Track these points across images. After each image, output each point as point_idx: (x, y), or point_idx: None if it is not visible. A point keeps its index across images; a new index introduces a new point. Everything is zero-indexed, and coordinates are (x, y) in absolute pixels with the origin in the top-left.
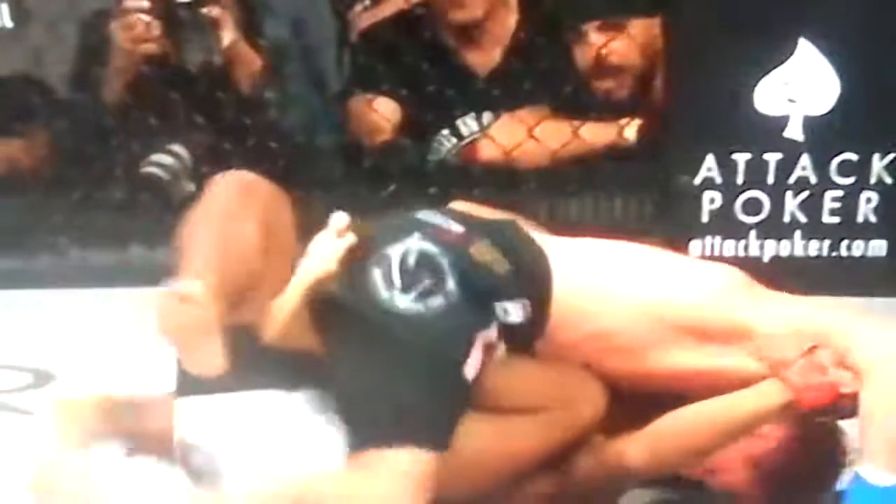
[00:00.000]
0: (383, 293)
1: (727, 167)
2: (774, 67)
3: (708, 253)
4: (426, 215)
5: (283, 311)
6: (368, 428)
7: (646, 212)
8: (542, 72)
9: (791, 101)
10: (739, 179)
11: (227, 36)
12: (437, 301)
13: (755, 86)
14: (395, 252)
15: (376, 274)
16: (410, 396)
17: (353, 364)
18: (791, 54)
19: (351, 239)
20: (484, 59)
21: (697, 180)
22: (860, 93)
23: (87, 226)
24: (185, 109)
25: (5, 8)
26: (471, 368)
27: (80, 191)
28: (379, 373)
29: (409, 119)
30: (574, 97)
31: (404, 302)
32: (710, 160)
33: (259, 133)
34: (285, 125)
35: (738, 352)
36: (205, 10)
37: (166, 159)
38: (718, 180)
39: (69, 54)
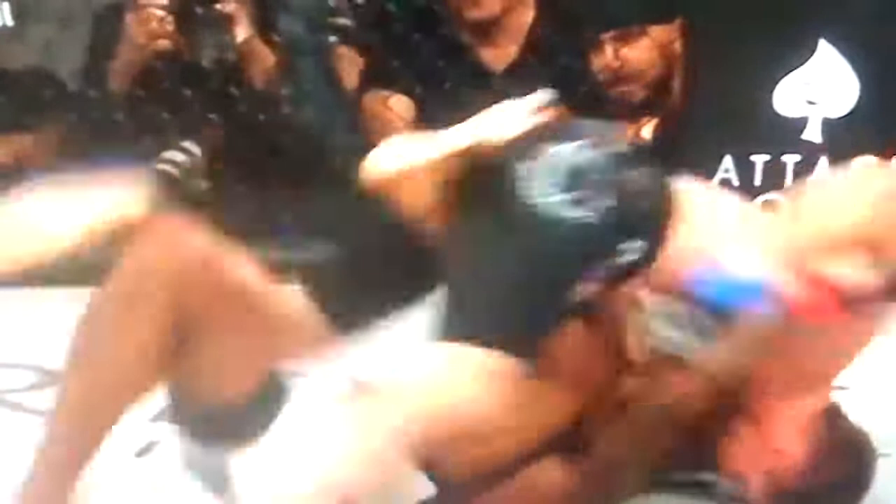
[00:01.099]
0: (538, 187)
1: (745, 169)
2: (794, 69)
3: None
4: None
5: (420, 160)
6: (465, 318)
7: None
8: (558, 70)
9: (810, 102)
10: (757, 181)
11: (242, 32)
12: (585, 214)
13: (774, 87)
14: (565, 150)
15: (541, 166)
16: (517, 299)
17: (473, 251)
18: (811, 56)
19: (544, 118)
20: (499, 55)
21: (715, 181)
22: (879, 95)
23: None
24: (197, 105)
25: (6, 6)
26: (581, 291)
27: None
28: (495, 267)
29: (424, 116)
30: (591, 96)
31: (555, 201)
32: (727, 161)
33: (272, 129)
34: (299, 121)
35: None
36: (219, 6)
37: (179, 156)
38: (736, 182)
39: (81, 48)
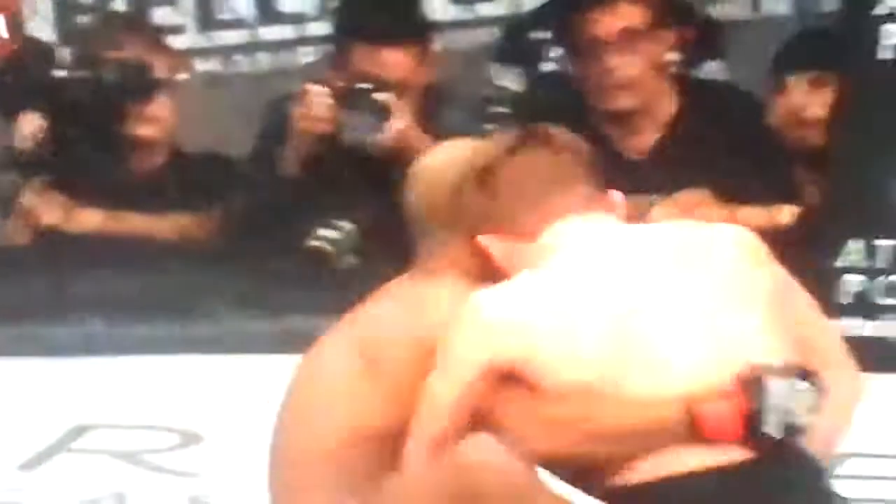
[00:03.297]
0: None
1: (869, 253)
2: None
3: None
4: None
5: None
6: None
7: None
8: (700, 157)
9: None
10: (881, 264)
11: (400, 121)
12: None
13: None
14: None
15: None
16: None
17: None
18: None
19: None
20: (639, 144)
21: (841, 264)
22: None
23: (250, 295)
24: (355, 187)
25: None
26: None
27: (248, 262)
28: None
29: None
30: (732, 180)
31: None
32: (853, 246)
33: None
34: None
35: None
36: (377, 96)
37: (332, 234)
38: (861, 265)
39: (252, 134)
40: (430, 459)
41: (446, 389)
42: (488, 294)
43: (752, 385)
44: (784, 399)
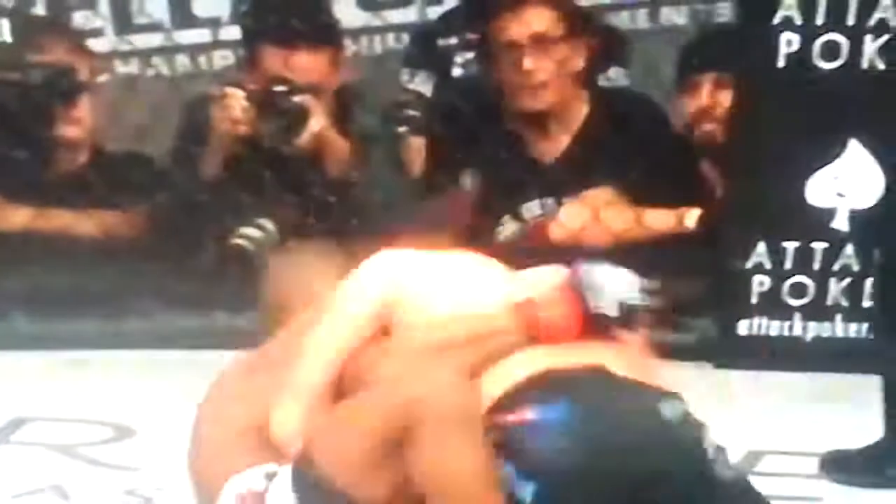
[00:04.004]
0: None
1: (777, 254)
2: (825, 164)
3: (755, 332)
4: None
5: None
6: None
7: (699, 292)
8: (609, 161)
9: (839, 195)
10: (788, 265)
11: (316, 123)
12: None
13: (807, 181)
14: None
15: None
16: None
17: None
18: (841, 153)
19: None
20: (551, 147)
21: (749, 265)
22: None
23: (175, 292)
24: (274, 187)
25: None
26: None
27: (172, 259)
28: None
29: (480, 203)
30: (639, 184)
31: None
32: (761, 247)
33: (343, 211)
34: (369, 205)
35: None
36: (297, 99)
37: (254, 232)
38: (768, 266)
39: (171, 134)
40: (305, 410)
41: (334, 334)
42: (379, 256)
43: (577, 278)
44: (611, 281)
